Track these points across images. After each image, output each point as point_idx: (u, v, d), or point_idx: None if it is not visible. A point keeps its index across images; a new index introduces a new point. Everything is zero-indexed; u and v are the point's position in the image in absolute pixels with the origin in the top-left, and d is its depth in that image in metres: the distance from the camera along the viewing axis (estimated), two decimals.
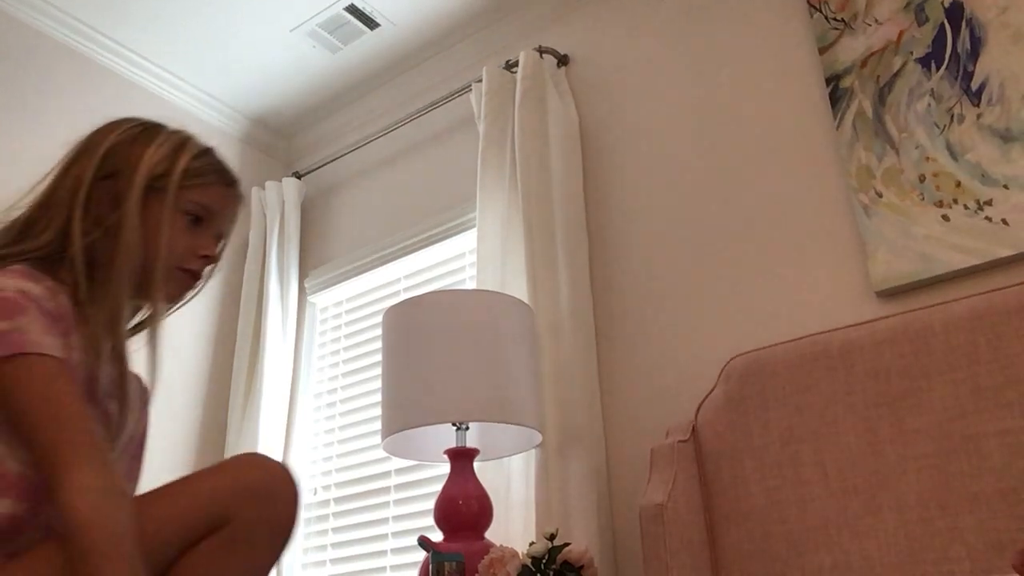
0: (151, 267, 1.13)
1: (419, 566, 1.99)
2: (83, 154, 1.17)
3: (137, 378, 1.23)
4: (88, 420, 0.97)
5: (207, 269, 1.24)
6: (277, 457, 2.78)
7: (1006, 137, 1.81)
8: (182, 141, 1.21)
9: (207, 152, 1.23)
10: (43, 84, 2.81)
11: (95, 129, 1.21)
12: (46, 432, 0.95)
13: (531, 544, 1.80)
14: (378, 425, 2.01)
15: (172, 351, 2.91)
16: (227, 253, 3.27)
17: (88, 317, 1.07)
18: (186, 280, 1.21)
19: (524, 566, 1.76)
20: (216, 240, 1.24)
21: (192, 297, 1.25)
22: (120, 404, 1.12)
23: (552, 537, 1.80)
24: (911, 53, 2.00)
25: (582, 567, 1.77)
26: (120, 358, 1.12)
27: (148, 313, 1.22)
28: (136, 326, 1.24)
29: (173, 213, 1.16)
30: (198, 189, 1.19)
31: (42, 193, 1.16)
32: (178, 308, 1.27)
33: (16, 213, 1.15)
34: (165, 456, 2.77)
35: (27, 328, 0.97)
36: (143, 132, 1.20)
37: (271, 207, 3.19)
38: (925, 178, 1.89)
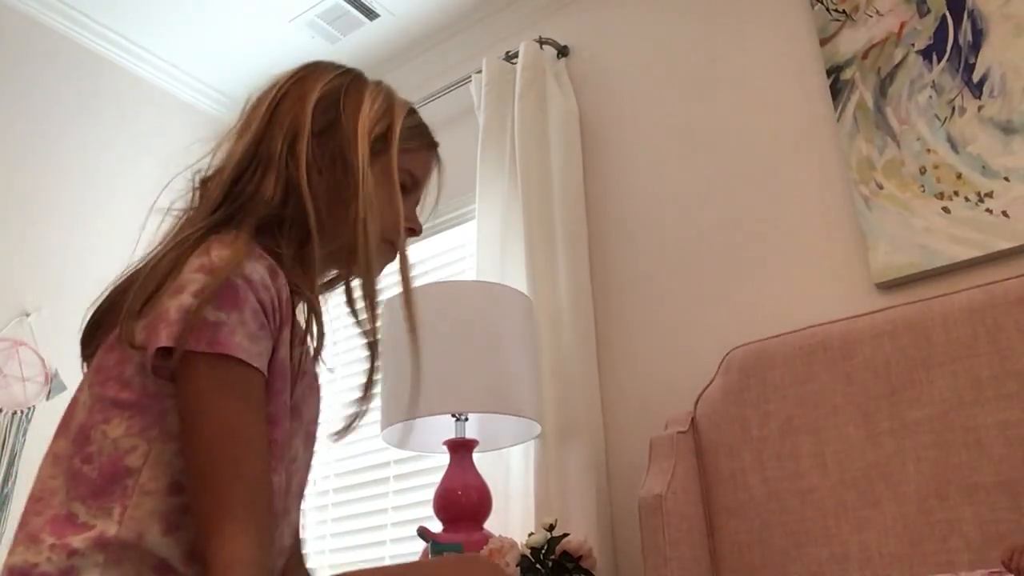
0: (370, 238, 0.99)
1: (418, 557, 1.99)
2: (291, 100, 1.03)
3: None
4: (265, 472, 0.85)
5: (406, 240, 1.08)
6: None
7: (1007, 129, 1.81)
8: (392, 96, 1.09)
9: (414, 111, 1.12)
10: (41, 74, 2.80)
11: (291, 72, 1.08)
12: (215, 472, 0.82)
13: (530, 535, 1.81)
14: (377, 415, 2.01)
15: None
16: None
17: (299, 309, 0.95)
18: (390, 255, 1.07)
19: (523, 556, 1.77)
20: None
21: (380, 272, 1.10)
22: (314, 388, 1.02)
23: (551, 528, 1.80)
24: (912, 45, 1.99)
25: (581, 557, 1.78)
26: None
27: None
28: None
29: (392, 179, 1.03)
30: (411, 154, 1.07)
31: (246, 140, 1.01)
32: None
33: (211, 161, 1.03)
34: None
35: (236, 328, 0.84)
36: (353, 82, 1.08)
37: None
38: (926, 170, 1.89)
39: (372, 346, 1.04)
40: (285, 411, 0.92)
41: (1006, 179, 1.78)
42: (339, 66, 1.11)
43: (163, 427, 0.86)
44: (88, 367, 0.98)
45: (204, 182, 1.03)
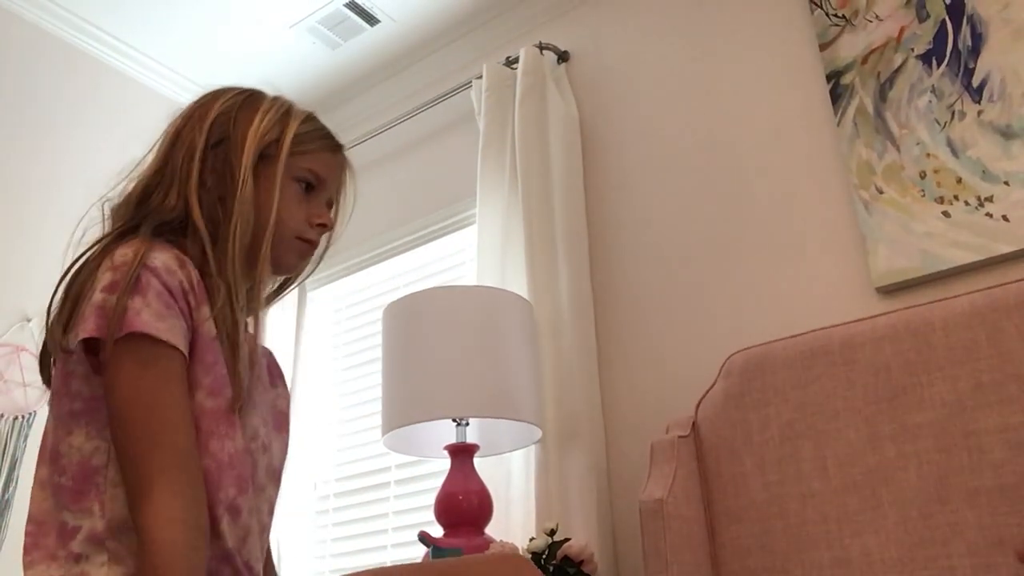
0: (262, 237, 1.09)
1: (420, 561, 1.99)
2: (192, 121, 1.13)
3: (268, 352, 1.23)
4: (187, 440, 0.93)
5: (324, 236, 1.20)
6: None
7: (1007, 134, 1.81)
8: (287, 107, 1.18)
9: (312, 118, 1.21)
10: (42, 78, 2.81)
11: (198, 98, 1.18)
12: (138, 441, 0.91)
13: (531, 539, 1.81)
14: (378, 420, 2.01)
15: None
16: None
17: (212, 290, 1.03)
18: (304, 249, 1.17)
19: None
20: (328, 207, 1.22)
21: (313, 268, 1.24)
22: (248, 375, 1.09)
23: (552, 532, 1.80)
24: (912, 50, 2.00)
25: (582, 562, 1.77)
26: (243, 332, 1.08)
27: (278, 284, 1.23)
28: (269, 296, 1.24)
29: (286, 181, 1.13)
30: (308, 156, 1.16)
31: (153, 162, 1.13)
32: (300, 280, 1.26)
33: (121, 187, 1.15)
34: None
35: (141, 309, 0.93)
36: (248, 99, 1.17)
37: None
38: (926, 174, 1.89)
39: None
40: (224, 382, 1.00)
41: (1006, 183, 1.78)
42: (241, 89, 1.20)
43: None
44: None
45: (114, 209, 1.15)
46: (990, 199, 1.79)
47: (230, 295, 1.02)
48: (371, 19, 2.97)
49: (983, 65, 1.89)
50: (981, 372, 1.55)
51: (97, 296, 0.94)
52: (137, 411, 0.91)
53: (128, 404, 0.92)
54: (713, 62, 2.39)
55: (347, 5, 2.90)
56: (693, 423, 1.87)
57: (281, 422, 1.18)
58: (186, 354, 0.96)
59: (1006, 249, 1.74)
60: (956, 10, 1.96)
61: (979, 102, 1.87)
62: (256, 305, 1.10)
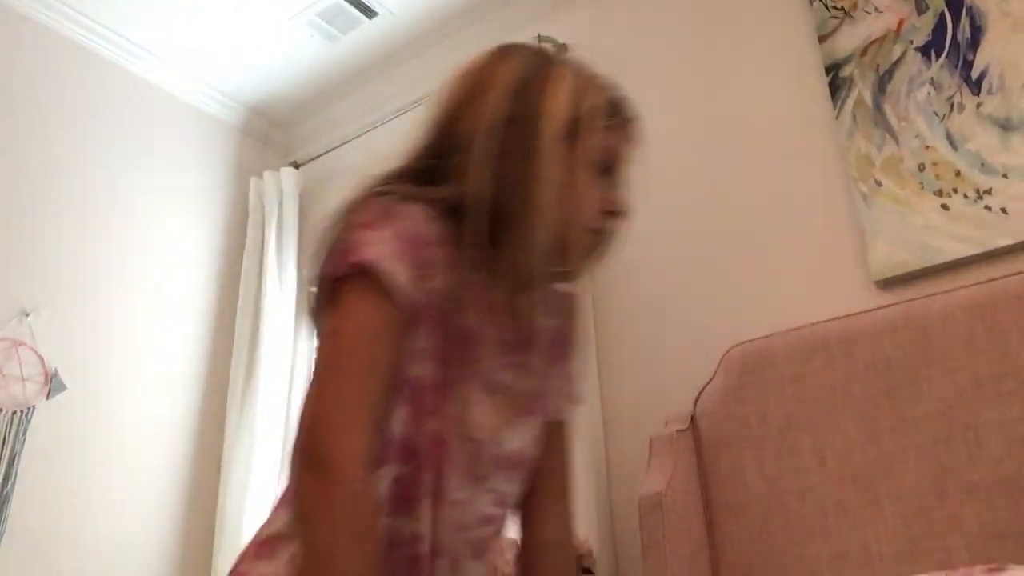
0: (566, 230, 0.95)
1: None
2: (484, 89, 0.98)
3: (563, 295, 1.10)
4: (371, 391, 0.85)
5: (614, 225, 1.03)
6: (276, 448, 2.78)
7: (1006, 126, 1.81)
8: (586, 74, 1.04)
9: (610, 85, 1.06)
10: (40, 73, 2.80)
11: (485, 60, 1.03)
12: (320, 383, 0.85)
13: None
14: None
15: (170, 343, 2.91)
16: (225, 243, 3.29)
17: (491, 282, 0.95)
18: (595, 241, 1.01)
19: None
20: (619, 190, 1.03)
21: (600, 262, 1.05)
22: (523, 371, 1.00)
23: None
24: (911, 42, 1.99)
25: (581, 556, 1.78)
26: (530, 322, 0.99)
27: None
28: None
29: (585, 164, 0.97)
30: (608, 132, 1.00)
31: (437, 128, 1.01)
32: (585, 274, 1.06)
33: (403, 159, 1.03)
34: (163, 449, 2.77)
35: (372, 241, 0.87)
36: (542, 64, 1.02)
37: (269, 197, 3.18)
38: (925, 167, 1.88)
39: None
40: (438, 357, 0.92)
41: (1005, 176, 1.78)
42: (533, 49, 1.08)
43: None
44: None
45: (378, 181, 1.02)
46: (989, 192, 1.79)
47: (516, 288, 0.96)
48: (369, 12, 2.96)
49: (982, 57, 1.88)
50: (980, 366, 1.55)
51: (331, 236, 0.90)
52: (333, 342, 0.88)
53: (329, 333, 0.89)
54: (712, 55, 2.38)
55: None
56: (692, 417, 1.87)
57: (533, 406, 1.03)
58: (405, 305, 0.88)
59: (1005, 242, 1.74)
60: (955, 2, 1.95)
61: (978, 94, 1.86)
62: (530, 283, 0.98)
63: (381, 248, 0.87)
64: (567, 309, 1.10)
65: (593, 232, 0.99)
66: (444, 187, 0.95)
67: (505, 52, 1.03)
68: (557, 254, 0.96)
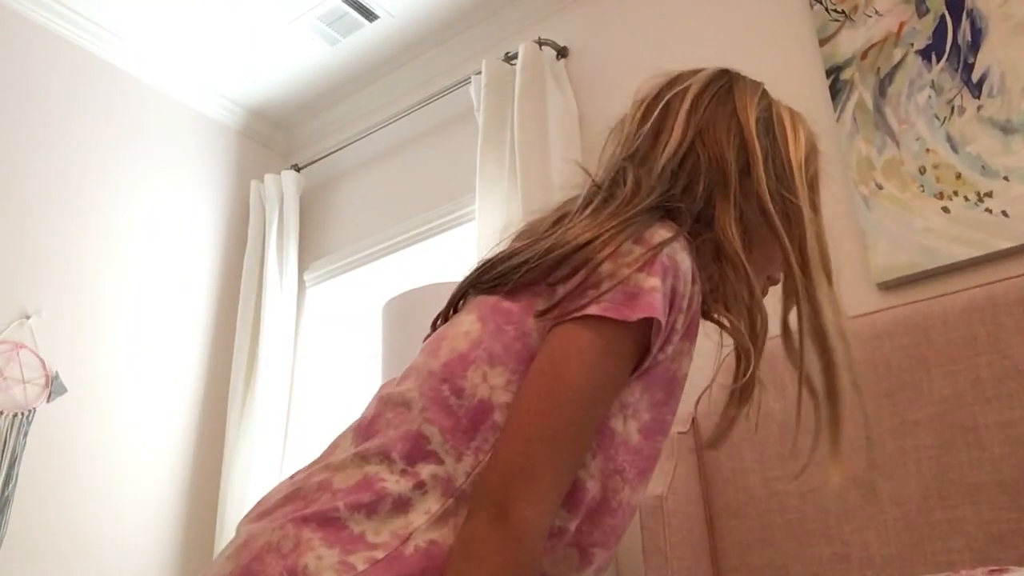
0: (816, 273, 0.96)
1: None
2: (726, 115, 1.01)
3: None
4: (581, 449, 0.79)
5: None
6: (276, 451, 2.78)
7: (1007, 129, 1.81)
8: (805, 124, 1.07)
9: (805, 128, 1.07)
10: (42, 75, 2.80)
11: (710, 81, 1.06)
12: (533, 425, 0.77)
13: None
14: None
15: (171, 346, 2.91)
16: (226, 246, 3.29)
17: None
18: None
19: None
20: None
21: None
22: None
23: None
24: (911, 45, 2.00)
25: None
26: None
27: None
28: None
29: (818, 214, 1.00)
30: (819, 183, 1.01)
31: (678, 144, 0.98)
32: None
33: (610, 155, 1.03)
34: (164, 451, 2.77)
35: (655, 291, 0.80)
36: (775, 106, 1.06)
37: (270, 200, 3.18)
38: (925, 170, 1.89)
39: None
40: (661, 428, 0.89)
41: (1006, 179, 1.78)
42: (756, 83, 1.13)
43: None
44: (468, 305, 0.94)
45: (622, 168, 0.99)
46: (990, 195, 1.79)
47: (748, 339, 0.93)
48: (370, 15, 2.96)
49: (983, 60, 1.89)
50: (980, 368, 1.55)
51: (622, 271, 0.82)
52: (565, 382, 0.79)
53: (565, 370, 0.80)
54: (712, 57, 2.38)
55: (346, 1, 2.89)
56: (693, 419, 1.87)
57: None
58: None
59: (1006, 245, 1.74)
60: (956, 5, 1.96)
61: (979, 97, 1.86)
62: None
63: (660, 302, 0.81)
64: None
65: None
66: (699, 226, 0.92)
67: (734, 79, 1.09)
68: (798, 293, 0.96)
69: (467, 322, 0.89)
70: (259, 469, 2.71)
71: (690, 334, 0.88)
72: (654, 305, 0.80)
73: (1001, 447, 1.48)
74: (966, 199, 1.81)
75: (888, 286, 1.87)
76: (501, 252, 0.94)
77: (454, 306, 0.98)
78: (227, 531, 2.63)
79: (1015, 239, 1.73)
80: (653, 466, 0.88)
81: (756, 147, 0.97)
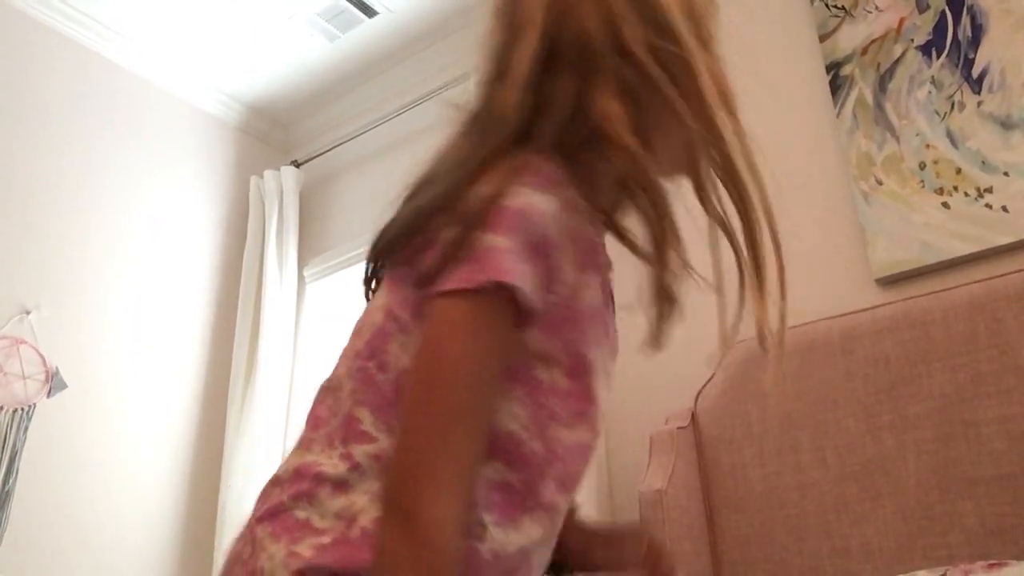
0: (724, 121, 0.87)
1: None
2: (576, 6, 0.85)
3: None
4: (478, 430, 0.74)
5: None
6: (276, 446, 2.78)
7: (1006, 124, 1.81)
8: None
9: None
10: (41, 71, 2.80)
11: None
12: (421, 417, 0.72)
13: None
14: None
15: (171, 341, 2.91)
16: (225, 242, 3.28)
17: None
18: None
19: None
20: None
21: None
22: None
23: None
24: (912, 40, 2.00)
25: None
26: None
27: None
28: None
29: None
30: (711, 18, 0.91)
31: (536, 43, 0.85)
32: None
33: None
34: (164, 446, 2.77)
35: (500, 252, 0.73)
36: None
37: (269, 196, 3.18)
38: (925, 165, 1.89)
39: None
40: (585, 364, 0.83)
41: (1005, 174, 1.78)
42: None
43: None
44: (386, 276, 0.88)
45: (484, 86, 0.88)
46: (989, 190, 1.79)
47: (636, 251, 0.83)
48: (369, 11, 2.96)
49: (983, 56, 1.89)
50: (980, 363, 1.55)
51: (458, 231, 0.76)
52: (433, 371, 0.74)
53: (430, 357, 0.75)
54: None
55: None
56: (692, 414, 1.87)
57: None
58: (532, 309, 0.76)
59: (1005, 240, 1.74)
60: (956, 1, 1.96)
61: (979, 93, 1.87)
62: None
63: (509, 260, 0.73)
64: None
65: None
66: (562, 119, 0.82)
67: None
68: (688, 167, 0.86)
69: (380, 296, 0.86)
70: (259, 464, 2.71)
71: (586, 264, 0.81)
72: (502, 267, 0.72)
73: (1001, 442, 1.49)
74: (966, 194, 1.82)
75: (888, 281, 1.88)
76: (390, 218, 0.87)
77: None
78: (226, 526, 2.63)
79: (1015, 234, 1.73)
80: (589, 408, 0.83)
81: (622, 5, 0.84)
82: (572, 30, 0.84)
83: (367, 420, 0.78)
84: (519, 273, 0.73)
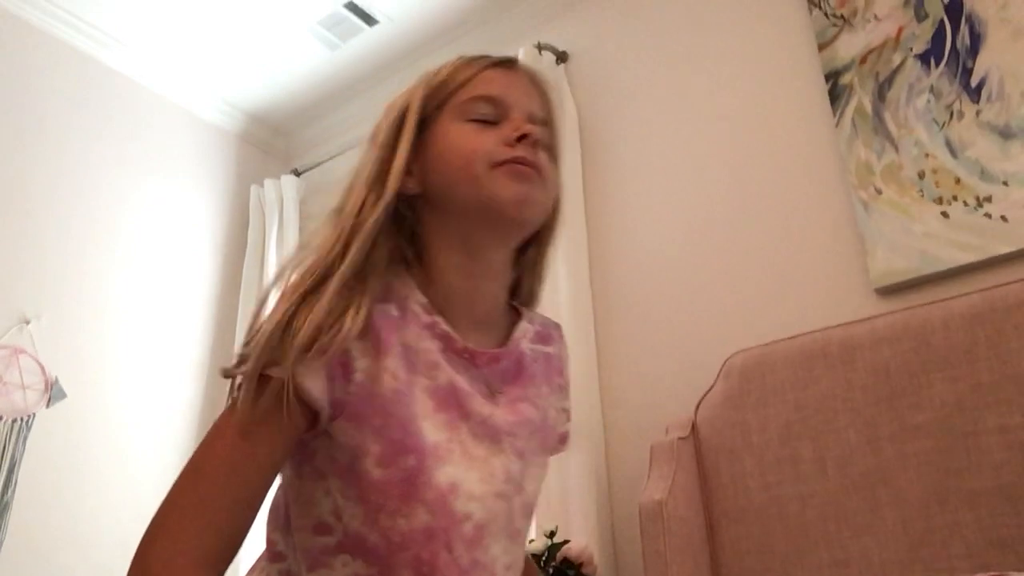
0: (462, 181, 0.91)
1: None
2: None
3: (548, 351, 1.01)
4: (219, 507, 0.78)
5: (532, 149, 0.94)
6: None
7: (1005, 134, 1.81)
8: (426, 72, 1.04)
9: (459, 58, 1.03)
10: (42, 81, 2.81)
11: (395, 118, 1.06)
12: (179, 484, 0.80)
13: (530, 541, 1.80)
14: None
15: (170, 351, 2.91)
16: (226, 251, 3.28)
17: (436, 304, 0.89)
18: (514, 171, 0.91)
19: None
20: (528, 120, 0.96)
21: (551, 183, 0.99)
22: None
23: (552, 534, 1.80)
24: (911, 49, 2.00)
25: (581, 564, 1.77)
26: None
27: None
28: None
29: (451, 127, 0.95)
30: (466, 86, 0.97)
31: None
32: (531, 205, 0.94)
33: None
34: (164, 457, 2.77)
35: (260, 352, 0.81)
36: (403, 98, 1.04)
37: (270, 205, 3.18)
38: (924, 175, 1.89)
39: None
40: (400, 448, 0.84)
41: (1005, 183, 1.78)
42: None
43: (312, 465, 0.85)
44: None
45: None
46: (989, 199, 1.79)
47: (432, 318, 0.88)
48: (370, 20, 2.97)
49: (981, 65, 1.89)
50: (980, 373, 1.55)
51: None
52: (198, 450, 0.84)
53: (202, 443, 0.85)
54: (711, 63, 2.38)
55: (346, 6, 2.90)
56: (693, 424, 1.87)
57: (548, 436, 0.98)
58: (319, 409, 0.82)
59: (1005, 249, 1.74)
60: (954, 10, 1.96)
61: (977, 102, 1.87)
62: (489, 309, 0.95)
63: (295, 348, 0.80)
64: (556, 336, 1.04)
65: (502, 164, 0.91)
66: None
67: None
68: (484, 218, 0.91)
69: None
70: None
71: (376, 352, 0.84)
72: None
73: (1001, 452, 1.48)
74: (965, 204, 1.81)
75: (887, 291, 1.87)
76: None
77: None
78: None
79: (1014, 244, 1.73)
80: (418, 492, 0.83)
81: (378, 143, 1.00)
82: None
83: (281, 543, 0.89)
84: (298, 372, 0.79)
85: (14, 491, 2.36)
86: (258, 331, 0.82)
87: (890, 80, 2.00)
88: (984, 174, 1.81)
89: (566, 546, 1.78)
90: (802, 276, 2.02)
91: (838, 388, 1.69)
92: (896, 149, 1.94)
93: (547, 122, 1.01)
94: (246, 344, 0.84)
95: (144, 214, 2.96)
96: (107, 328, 2.73)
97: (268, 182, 3.23)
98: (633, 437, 2.12)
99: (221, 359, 3.02)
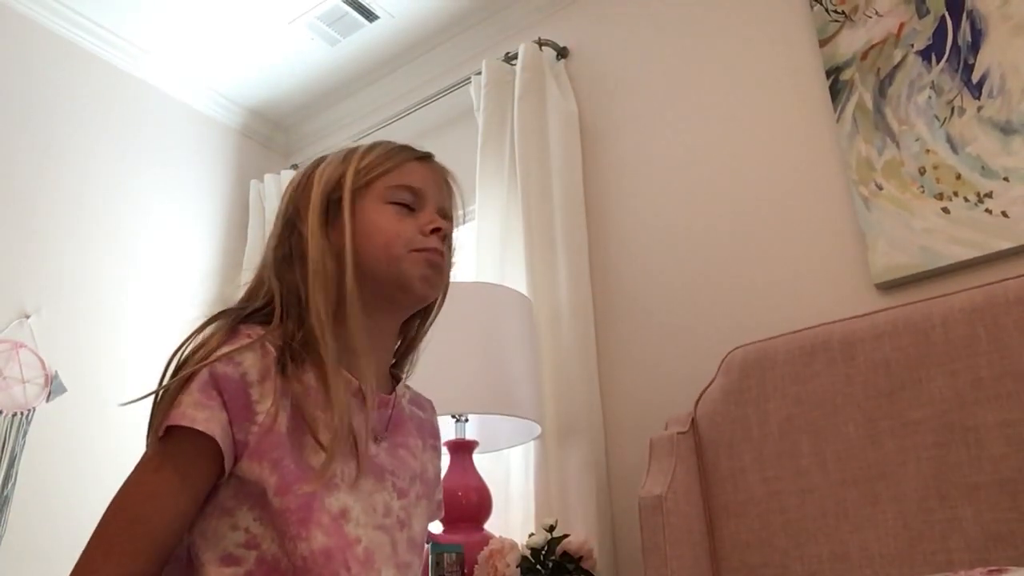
0: (382, 257, 1.03)
1: None
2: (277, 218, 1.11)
3: (422, 412, 1.17)
4: (139, 537, 0.93)
5: (441, 242, 1.09)
6: None
7: (1006, 130, 1.81)
8: (350, 149, 1.11)
9: (381, 143, 1.13)
10: (42, 76, 2.80)
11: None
12: (99, 531, 0.97)
13: (530, 535, 1.81)
14: None
15: (171, 346, 2.90)
16: (225, 246, 3.28)
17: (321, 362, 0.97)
18: (430, 258, 1.05)
19: (523, 557, 1.76)
20: (440, 214, 1.11)
21: (448, 272, 1.13)
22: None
23: (551, 528, 1.80)
24: (912, 45, 2.00)
25: (581, 558, 1.78)
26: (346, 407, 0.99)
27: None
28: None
29: (373, 207, 1.05)
30: (391, 174, 1.07)
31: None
32: (435, 313, 1.17)
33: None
34: None
35: (182, 401, 0.92)
36: (314, 165, 1.12)
37: (270, 200, 3.18)
38: (925, 171, 1.89)
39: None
40: (294, 477, 0.93)
41: (1005, 179, 1.78)
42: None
43: (215, 502, 0.93)
44: None
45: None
46: (989, 195, 1.79)
47: (323, 365, 0.96)
48: (370, 15, 2.97)
49: (983, 61, 1.89)
50: (980, 368, 1.55)
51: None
52: (121, 490, 0.97)
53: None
54: (712, 58, 2.38)
55: (346, 1, 2.90)
56: (692, 419, 1.87)
57: (429, 489, 1.12)
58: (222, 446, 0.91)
59: (1005, 245, 1.74)
60: (956, 6, 1.96)
61: (979, 98, 1.87)
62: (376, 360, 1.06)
63: (195, 409, 0.91)
64: (429, 408, 1.21)
65: (421, 251, 1.05)
66: (255, 298, 1.09)
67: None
68: (393, 288, 1.04)
69: None
70: None
71: (283, 392, 0.94)
72: (185, 415, 0.90)
73: (1001, 447, 1.48)
74: (966, 200, 1.82)
75: (888, 287, 1.88)
76: None
77: None
78: None
79: (1015, 240, 1.73)
80: (313, 516, 0.92)
81: (277, 221, 1.09)
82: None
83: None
84: (201, 419, 0.89)
85: (14, 485, 2.36)
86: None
87: (891, 76, 2.00)
88: (985, 170, 1.81)
89: (566, 540, 1.78)
90: (802, 271, 2.02)
91: (838, 383, 1.70)
92: (897, 145, 1.94)
93: (450, 216, 1.15)
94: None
95: (143, 208, 2.96)
96: (107, 323, 2.73)
97: (268, 177, 3.23)
98: (633, 432, 2.13)
99: None
